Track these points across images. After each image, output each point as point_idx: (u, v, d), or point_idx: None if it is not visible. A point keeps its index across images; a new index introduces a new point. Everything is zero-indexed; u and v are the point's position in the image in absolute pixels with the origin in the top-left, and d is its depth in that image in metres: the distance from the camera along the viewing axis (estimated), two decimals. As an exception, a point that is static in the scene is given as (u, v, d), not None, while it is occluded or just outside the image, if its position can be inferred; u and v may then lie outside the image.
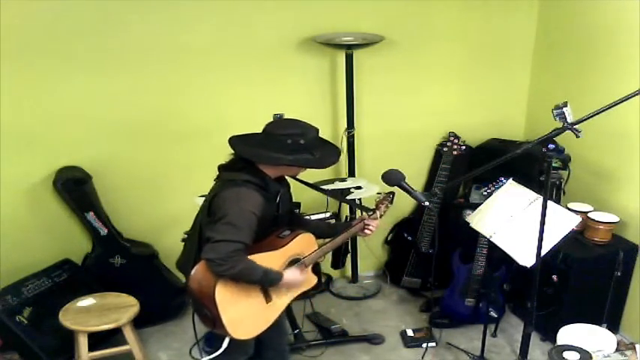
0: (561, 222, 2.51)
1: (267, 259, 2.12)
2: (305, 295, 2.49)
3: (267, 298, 2.20)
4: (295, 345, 3.14)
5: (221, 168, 2.24)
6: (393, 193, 2.51)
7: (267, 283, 2.13)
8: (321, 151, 2.21)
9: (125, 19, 3.05)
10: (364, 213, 2.48)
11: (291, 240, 2.24)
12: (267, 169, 2.18)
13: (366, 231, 2.40)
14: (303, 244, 2.30)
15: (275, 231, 2.28)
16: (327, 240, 2.38)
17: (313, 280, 2.42)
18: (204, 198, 3.03)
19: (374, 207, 2.43)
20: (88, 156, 3.20)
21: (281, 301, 2.26)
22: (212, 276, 2.02)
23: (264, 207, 2.10)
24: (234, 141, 2.22)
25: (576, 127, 2.19)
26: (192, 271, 2.11)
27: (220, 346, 2.17)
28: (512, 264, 2.72)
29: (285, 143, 2.12)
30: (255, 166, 2.17)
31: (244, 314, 2.13)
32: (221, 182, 2.20)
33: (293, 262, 2.26)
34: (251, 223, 2.03)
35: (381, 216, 2.42)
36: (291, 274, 2.20)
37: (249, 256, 2.05)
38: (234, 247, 1.97)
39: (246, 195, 2.07)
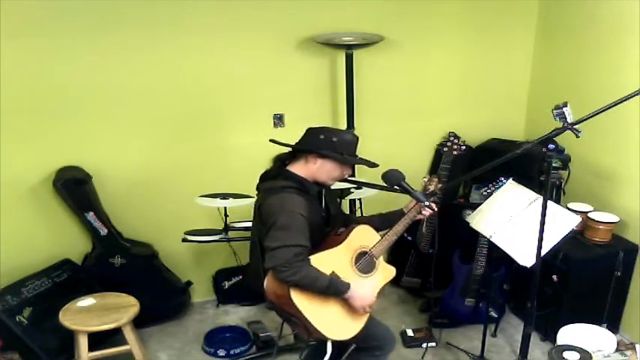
0: (561, 222, 2.51)
1: (333, 256, 2.11)
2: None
3: None
4: (295, 344, 3.15)
5: (260, 178, 2.27)
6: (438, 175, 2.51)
7: (332, 292, 2.09)
8: (351, 156, 2.22)
9: (125, 18, 3.04)
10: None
11: (349, 234, 2.23)
12: (300, 171, 2.19)
13: (424, 212, 2.38)
14: (364, 235, 2.28)
15: (331, 232, 2.28)
16: (382, 232, 2.36)
17: (391, 271, 2.40)
18: (204, 198, 3.07)
19: (424, 189, 2.41)
20: (88, 156, 3.20)
21: None
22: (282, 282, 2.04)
23: (309, 209, 2.10)
24: (274, 140, 2.27)
25: (576, 127, 2.19)
26: (265, 284, 2.12)
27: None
28: (512, 264, 2.71)
29: (318, 138, 2.17)
30: (288, 172, 2.19)
31: (332, 313, 2.10)
32: (261, 193, 2.23)
33: (361, 254, 2.24)
34: (301, 225, 2.05)
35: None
36: (359, 286, 2.15)
37: (314, 255, 2.05)
38: (294, 251, 1.99)
39: (288, 199, 2.09)
